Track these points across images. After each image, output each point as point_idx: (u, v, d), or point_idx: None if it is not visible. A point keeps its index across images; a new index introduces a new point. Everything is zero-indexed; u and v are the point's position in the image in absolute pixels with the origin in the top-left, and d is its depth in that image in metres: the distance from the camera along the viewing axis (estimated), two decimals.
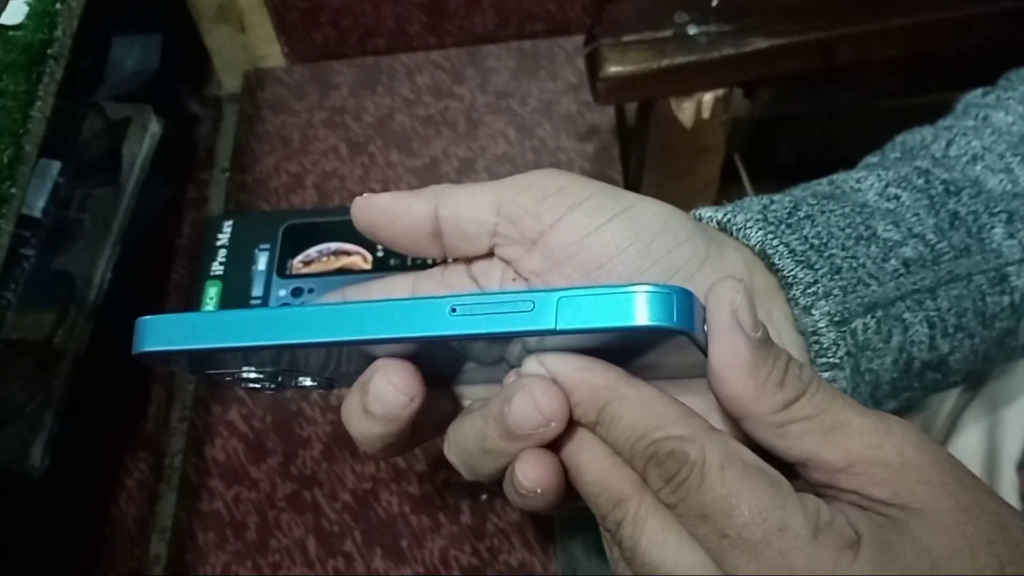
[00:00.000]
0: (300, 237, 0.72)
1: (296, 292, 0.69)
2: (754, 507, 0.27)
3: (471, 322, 0.28)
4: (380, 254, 0.70)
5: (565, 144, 0.86)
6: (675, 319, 0.27)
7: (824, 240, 0.35)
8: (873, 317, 0.35)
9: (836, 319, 0.34)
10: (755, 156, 0.98)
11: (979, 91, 0.46)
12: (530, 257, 0.34)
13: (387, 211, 0.35)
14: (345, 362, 0.33)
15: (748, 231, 0.35)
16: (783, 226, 0.35)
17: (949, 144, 0.41)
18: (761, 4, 0.69)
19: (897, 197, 0.38)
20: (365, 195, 0.36)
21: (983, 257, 0.37)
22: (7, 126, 0.56)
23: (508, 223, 0.34)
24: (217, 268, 0.71)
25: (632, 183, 0.84)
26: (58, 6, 0.61)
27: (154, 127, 0.87)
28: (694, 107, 0.71)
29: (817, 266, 0.35)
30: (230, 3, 0.91)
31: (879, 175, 0.39)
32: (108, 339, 0.77)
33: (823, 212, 0.36)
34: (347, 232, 0.72)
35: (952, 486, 0.28)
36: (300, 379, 0.36)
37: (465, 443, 0.32)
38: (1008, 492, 0.49)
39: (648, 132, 0.75)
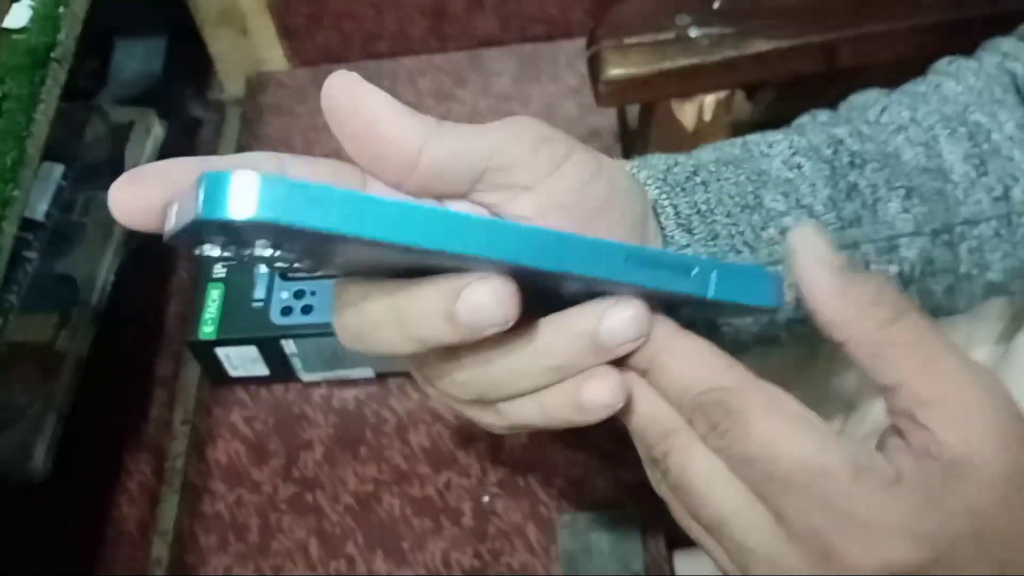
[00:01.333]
0: None
1: (299, 294, 0.69)
2: (796, 452, 0.29)
3: (640, 274, 0.30)
4: None
5: None
6: (782, 300, 0.31)
7: (712, 207, 0.38)
8: None
9: None
10: None
11: (947, 58, 0.47)
12: (519, 203, 0.33)
13: (371, 127, 0.32)
14: (412, 266, 0.31)
15: (648, 187, 0.37)
16: (678, 188, 0.38)
17: (883, 111, 0.43)
18: (763, 6, 0.69)
19: (799, 166, 0.40)
20: (352, 82, 0.32)
21: (874, 228, 0.40)
22: (10, 129, 0.56)
23: (498, 171, 0.33)
24: (219, 270, 0.71)
25: None
26: (61, 9, 0.61)
27: (157, 130, 0.87)
28: (696, 109, 0.71)
29: (696, 231, 0.37)
30: (233, 7, 0.91)
31: (791, 142, 0.41)
32: (110, 342, 0.77)
33: (719, 179, 0.39)
34: None
35: (1017, 448, 0.29)
36: (323, 268, 0.33)
37: (518, 363, 0.32)
38: None
39: (650, 134, 0.76)
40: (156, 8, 0.94)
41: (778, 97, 0.74)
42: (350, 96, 0.32)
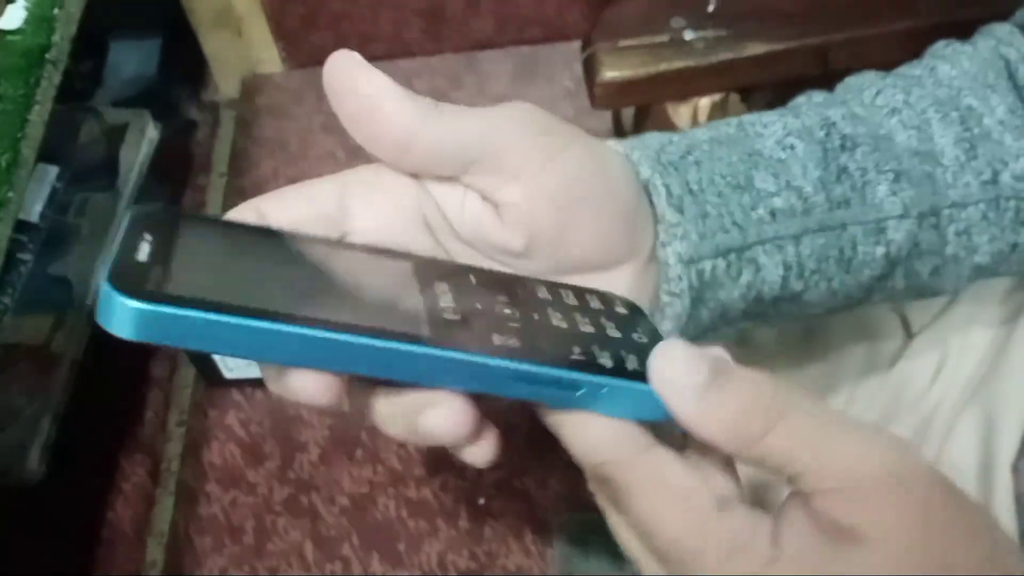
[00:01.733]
0: None
1: None
2: (671, 532, 0.29)
3: (528, 390, 0.29)
4: None
5: None
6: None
7: (703, 187, 0.38)
8: (724, 259, 0.38)
9: (685, 258, 0.37)
10: None
11: (943, 42, 0.47)
12: (507, 190, 0.34)
13: (369, 108, 0.32)
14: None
15: (640, 167, 0.37)
16: (671, 167, 0.38)
17: (878, 93, 0.43)
18: (757, 9, 0.70)
19: (792, 147, 0.40)
20: (353, 63, 0.32)
21: (862, 210, 0.40)
22: (5, 130, 0.56)
23: (489, 157, 0.33)
24: None
25: None
26: (56, 11, 0.61)
27: (152, 132, 0.87)
28: (691, 112, 0.71)
29: (686, 211, 0.37)
30: (228, 9, 0.91)
31: (785, 123, 0.40)
32: (106, 344, 0.77)
33: (712, 159, 0.39)
34: None
35: (916, 528, 0.28)
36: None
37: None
38: (1003, 493, 0.49)
39: None
40: (151, 10, 0.94)
41: (773, 99, 0.74)
42: (350, 76, 0.33)
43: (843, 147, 0.41)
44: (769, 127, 0.41)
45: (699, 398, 0.29)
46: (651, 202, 0.37)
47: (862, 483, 0.28)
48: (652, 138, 0.39)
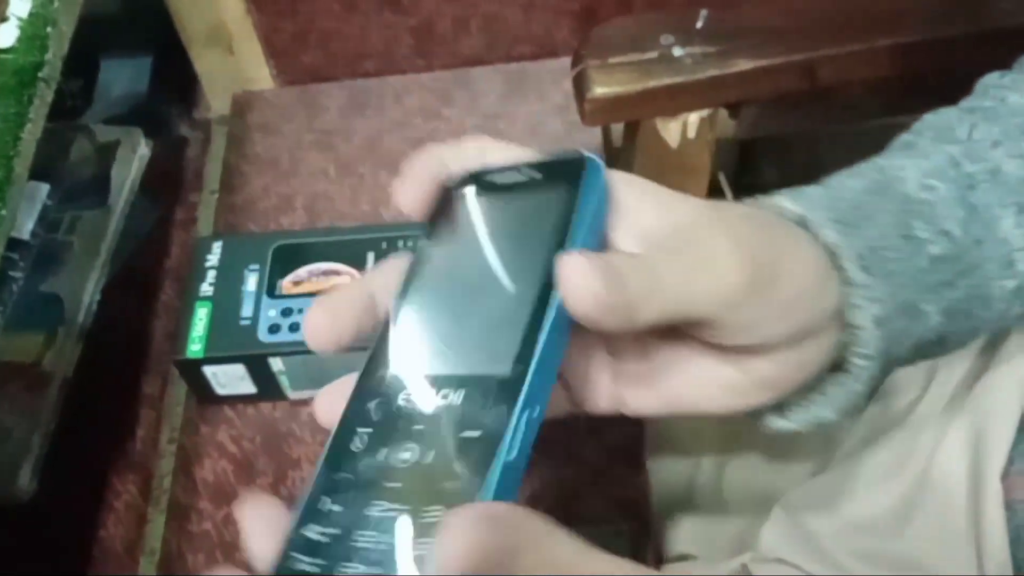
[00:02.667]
0: (290, 257, 0.72)
1: (286, 312, 0.69)
2: None
3: None
4: None
5: None
6: None
7: (881, 244, 0.37)
8: (905, 314, 0.38)
9: (879, 321, 0.37)
10: (740, 176, 0.99)
11: (996, 73, 0.47)
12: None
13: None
14: None
15: (823, 230, 0.37)
16: (851, 228, 0.37)
17: (973, 128, 0.43)
18: (745, 26, 0.70)
19: (933, 188, 0.40)
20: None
21: (993, 245, 0.40)
22: None
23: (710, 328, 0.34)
24: (207, 289, 0.71)
25: None
26: (49, 29, 0.62)
27: (143, 150, 0.88)
28: (680, 127, 0.72)
29: (874, 271, 0.37)
30: (219, 26, 0.91)
31: (918, 164, 0.41)
32: (97, 361, 0.77)
33: (877, 211, 0.38)
34: (337, 252, 0.72)
35: None
36: None
37: None
38: (993, 501, 0.50)
39: (634, 152, 0.76)
40: (142, 28, 0.94)
41: (761, 114, 0.75)
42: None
43: (969, 185, 0.40)
44: (905, 170, 0.40)
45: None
46: (835, 264, 0.36)
47: None
48: (815, 194, 0.39)
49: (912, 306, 0.38)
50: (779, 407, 0.38)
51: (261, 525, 0.31)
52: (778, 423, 0.39)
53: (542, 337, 0.30)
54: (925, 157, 0.41)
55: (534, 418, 0.29)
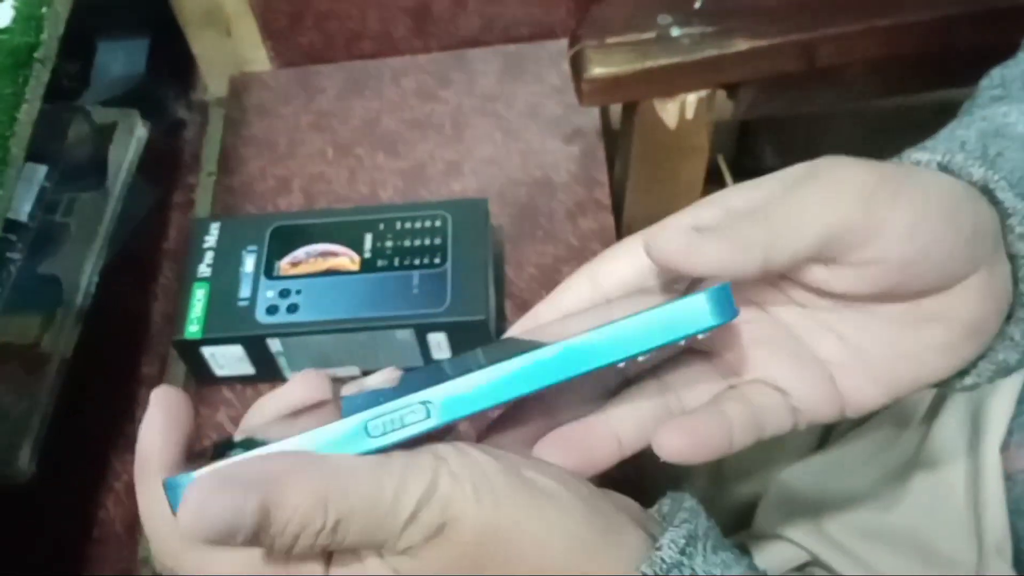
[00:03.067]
0: (287, 239, 0.72)
1: (284, 293, 0.70)
2: None
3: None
4: (367, 255, 0.70)
5: (551, 146, 0.86)
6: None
7: (1019, 175, 0.37)
8: None
9: None
10: (739, 158, 0.99)
11: None
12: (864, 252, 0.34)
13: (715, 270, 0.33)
14: None
15: (970, 169, 0.37)
16: (989, 163, 0.37)
17: None
18: (743, 6, 0.70)
19: None
20: (685, 241, 0.33)
21: None
22: None
23: (834, 243, 0.34)
24: (204, 270, 0.71)
25: (617, 184, 0.84)
26: (44, 10, 0.61)
27: (140, 131, 0.87)
28: (678, 108, 0.72)
29: None
30: (216, 8, 0.91)
31: (1020, 108, 0.41)
32: (95, 342, 0.77)
33: (1004, 148, 0.38)
34: (334, 233, 0.72)
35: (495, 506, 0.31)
36: None
37: None
38: (992, 475, 0.50)
39: (632, 133, 0.76)
40: (139, 10, 0.94)
41: (759, 95, 0.75)
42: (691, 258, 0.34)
43: None
44: (1010, 115, 0.41)
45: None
46: (993, 200, 0.37)
47: (418, 542, 0.31)
48: (940, 145, 0.39)
49: None
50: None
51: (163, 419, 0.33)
52: (962, 381, 0.39)
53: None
54: (1020, 101, 0.42)
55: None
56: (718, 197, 0.37)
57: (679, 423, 0.35)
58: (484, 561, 0.30)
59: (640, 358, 0.32)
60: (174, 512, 0.30)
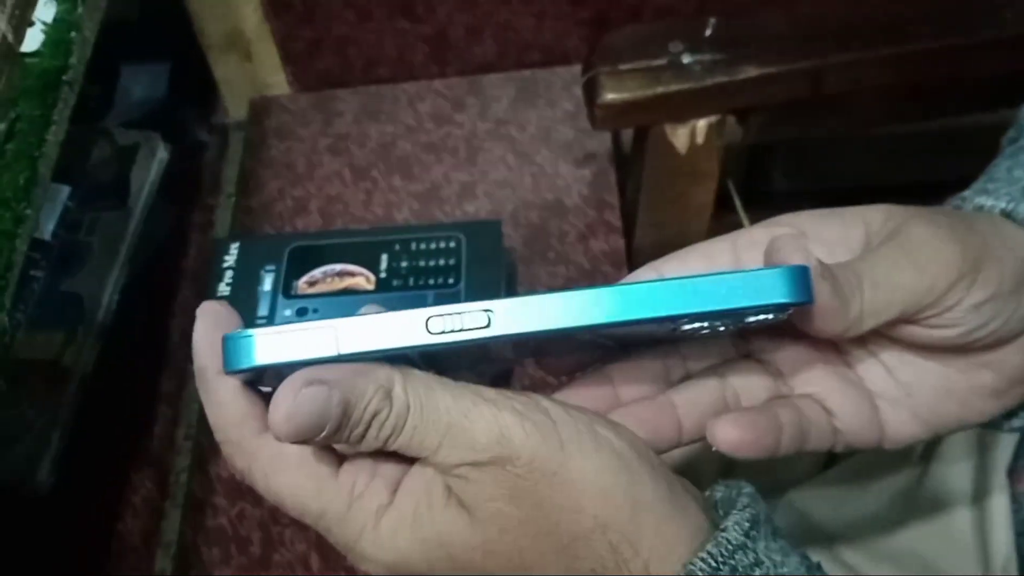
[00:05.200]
0: (305, 259, 0.74)
1: (301, 311, 0.71)
2: (296, 504, 0.32)
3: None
4: (383, 275, 0.72)
5: (563, 170, 0.88)
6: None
7: None
8: None
9: None
10: (748, 183, 1.00)
11: None
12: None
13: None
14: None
15: None
16: None
17: None
18: (753, 34, 0.72)
19: None
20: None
21: None
22: (24, 149, 0.58)
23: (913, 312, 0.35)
24: (224, 288, 0.73)
25: (628, 207, 0.85)
26: (73, 34, 0.63)
27: (162, 153, 0.89)
28: (688, 133, 0.73)
29: None
30: (237, 33, 0.93)
31: None
32: (115, 359, 0.78)
33: None
34: (351, 254, 0.73)
35: (514, 501, 0.31)
36: None
37: None
38: (999, 496, 0.51)
39: (644, 158, 0.77)
40: (161, 34, 0.96)
41: (768, 121, 0.76)
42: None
43: None
44: None
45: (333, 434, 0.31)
46: None
47: (472, 463, 0.31)
48: (1006, 189, 0.39)
49: None
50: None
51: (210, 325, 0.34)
52: (1010, 423, 0.40)
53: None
54: None
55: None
56: (795, 220, 0.38)
57: (737, 416, 0.35)
58: (541, 499, 0.31)
59: (707, 326, 0.32)
60: (227, 369, 0.31)
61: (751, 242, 0.37)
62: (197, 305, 0.36)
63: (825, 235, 0.36)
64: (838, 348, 0.38)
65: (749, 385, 0.38)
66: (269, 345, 0.31)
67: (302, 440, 0.30)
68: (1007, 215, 0.38)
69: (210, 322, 0.34)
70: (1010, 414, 0.39)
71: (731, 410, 0.37)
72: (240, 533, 0.70)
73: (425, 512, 0.32)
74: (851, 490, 0.58)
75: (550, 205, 0.86)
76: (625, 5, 0.90)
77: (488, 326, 0.31)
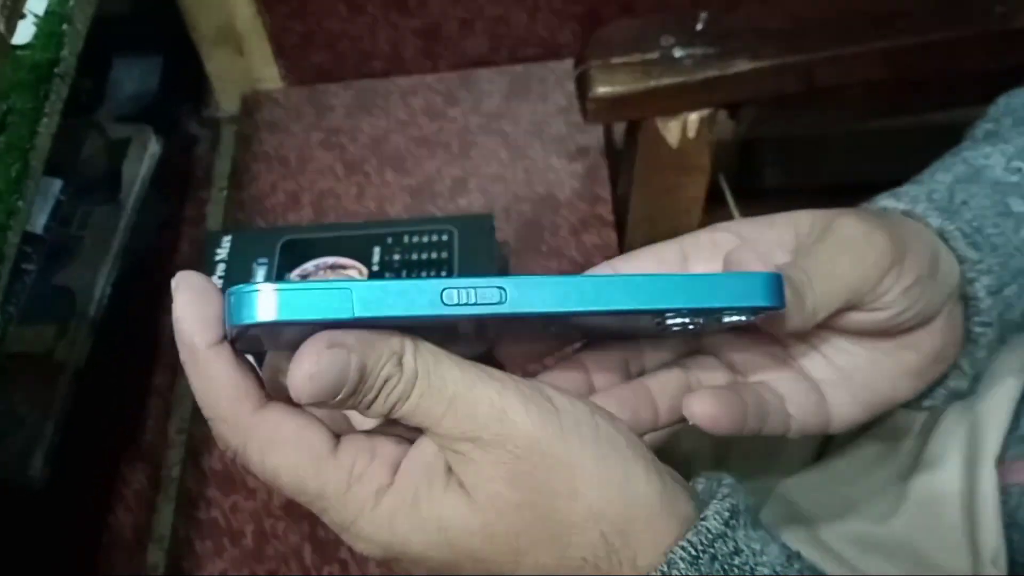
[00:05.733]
0: (297, 252, 0.74)
1: None
2: (294, 483, 0.32)
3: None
4: (376, 268, 0.72)
5: (555, 164, 0.88)
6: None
7: (980, 223, 0.42)
8: (1014, 282, 0.42)
9: (992, 289, 0.41)
10: (740, 178, 1.01)
11: None
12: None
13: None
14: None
15: (929, 218, 0.41)
16: (953, 213, 0.42)
17: None
18: (744, 28, 0.72)
19: (1020, 170, 0.44)
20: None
21: None
22: (15, 142, 0.58)
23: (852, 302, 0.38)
24: (216, 282, 0.72)
25: (620, 201, 0.86)
26: (64, 27, 0.63)
27: (153, 147, 0.89)
28: (680, 127, 0.73)
29: (980, 246, 0.41)
30: (229, 27, 0.93)
31: (1002, 150, 0.45)
32: (108, 353, 0.78)
33: (972, 196, 0.43)
34: (343, 247, 0.73)
35: (513, 482, 0.32)
36: None
37: None
38: (988, 488, 0.51)
39: (635, 151, 0.78)
40: (153, 28, 0.96)
41: (760, 115, 0.77)
42: None
43: None
44: (990, 157, 0.45)
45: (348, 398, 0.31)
46: (948, 246, 0.41)
47: (472, 440, 0.31)
48: (911, 191, 0.43)
49: (1021, 273, 0.41)
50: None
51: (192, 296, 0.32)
52: (920, 403, 0.44)
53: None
54: (1007, 142, 0.45)
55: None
56: (734, 226, 0.40)
57: (713, 391, 0.37)
58: (539, 483, 0.31)
59: (689, 321, 0.34)
60: (229, 321, 0.30)
61: (696, 245, 0.39)
62: None
63: (762, 241, 0.39)
64: (780, 342, 0.41)
65: (709, 375, 0.40)
66: (284, 301, 0.29)
67: (317, 402, 0.30)
68: (907, 215, 0.42)
69: (192, 293, 0.32)
70: (921, 396, 0.43)
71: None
72: (233, 526, 0.70)
73: (425, 495, 0.32)
74: (841, 481, 0.58)
75: (542, 199, 0.86)
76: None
77: (502, 303, 0.31)
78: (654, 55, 0.71)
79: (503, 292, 0.31)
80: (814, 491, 0.59)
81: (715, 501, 0.33)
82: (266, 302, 0.29)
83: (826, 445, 0.62)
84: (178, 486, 0.73)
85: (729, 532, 0.33)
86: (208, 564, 0.69)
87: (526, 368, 0.39)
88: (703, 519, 0.33)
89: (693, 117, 0.73)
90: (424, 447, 0.33)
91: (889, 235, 0.38)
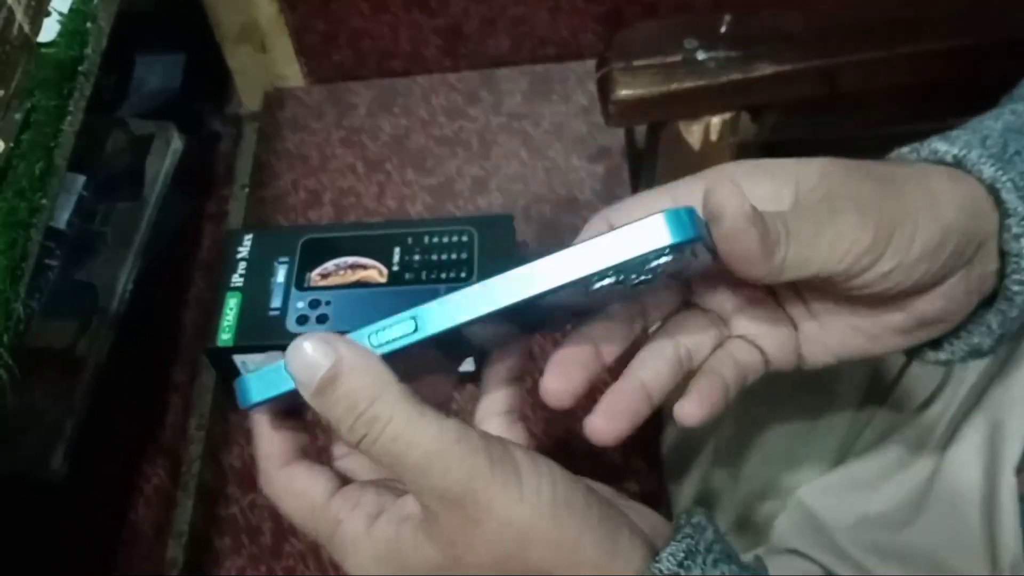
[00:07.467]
0: (318, 251, 0.74)
1: (314, 304, 0.71)
2: (300, 526, 0.37)
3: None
4: (396, 268, 0.72)
5: (576, 164, 0.88)
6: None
7: None
8: None
9: None
10: None
11: None
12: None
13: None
14: None
15: (981, 166, 0.39)
16: (1003, 162, 0.39)
17: None
18: (768, 31, 0.71)
19: None
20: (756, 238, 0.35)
21: None
22: (39, 139, 0.58)
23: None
24: (237, 280, 0.73)
25: None
26: (88, 25, 0.63)
27: (176, 144, 0.90)
28: (702, 130, 0.73)
29: None
30: (252, 25, 0.93)
31: None
32: (129, 349, 0.79)
33: (1021, 146, 0.41)
34: (364, 246, 0.74)
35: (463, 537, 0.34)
36: None
37: None
38: (1007, 496, 0.51)
39: (657, 154, 0.77)
40: (176, 25, 0.96)
41: (782, 118, 0.76)
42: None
43: None
44: None
45: (317, 391, 0.34)
46: (997, 199, 0.39)
47: (441, 497, 0.34)
48: (964, 137, 0.41)
49: None
50: (936, 341, 0.41)
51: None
52: (936, 355, 0.42)
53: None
54: None
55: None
56: (730, 170, 0.40)
57: (695, 397, 0.39)
58: (491, 541, 0.33)
59: (618, 280, 0.34)
60: (238, 405, 0.35)
61: (689, 192, 0.39)
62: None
63: (757, 191, 0.38)
64: (771, 288, 0.41)
65: (697, 341, 0.41)
66: (246, 388, 0.35)
67: (300, 380, 0.34)
68: (958, 161, 0.40)
69: (266, 422, 0.38)
70: (936, 347, 0.42)
71: (685, 370, 0.41)
72: (251, 523, 0.71)
73: (393, 546, 0.35)
74: (860, 489, 0.58)
75: (562, 200, 0.86)
76: (640, 1, 0.90)
77: (416, 330, 0.34)
78: (677, 58, 0.70)
79: (415, 321, 0.34)
80: (833, 497, 0.59)
81: (673, 542, 0.35)
82: (241, 391, 0.35)
83: (847, 450, 0.62)
84: (197, 482, 0.73)
85: (682, 572, 0.34)
86: (226, 560, 0.70)
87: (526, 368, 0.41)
88: (657, 561, 0.34)
89: (715, 120, 0.72)
90: (407, 498, 0.35)
91: (881, 215, 0.36)
